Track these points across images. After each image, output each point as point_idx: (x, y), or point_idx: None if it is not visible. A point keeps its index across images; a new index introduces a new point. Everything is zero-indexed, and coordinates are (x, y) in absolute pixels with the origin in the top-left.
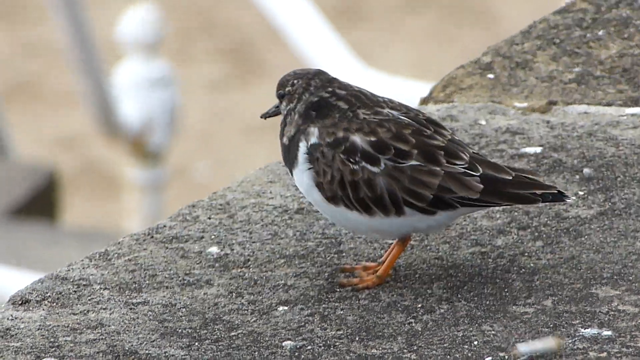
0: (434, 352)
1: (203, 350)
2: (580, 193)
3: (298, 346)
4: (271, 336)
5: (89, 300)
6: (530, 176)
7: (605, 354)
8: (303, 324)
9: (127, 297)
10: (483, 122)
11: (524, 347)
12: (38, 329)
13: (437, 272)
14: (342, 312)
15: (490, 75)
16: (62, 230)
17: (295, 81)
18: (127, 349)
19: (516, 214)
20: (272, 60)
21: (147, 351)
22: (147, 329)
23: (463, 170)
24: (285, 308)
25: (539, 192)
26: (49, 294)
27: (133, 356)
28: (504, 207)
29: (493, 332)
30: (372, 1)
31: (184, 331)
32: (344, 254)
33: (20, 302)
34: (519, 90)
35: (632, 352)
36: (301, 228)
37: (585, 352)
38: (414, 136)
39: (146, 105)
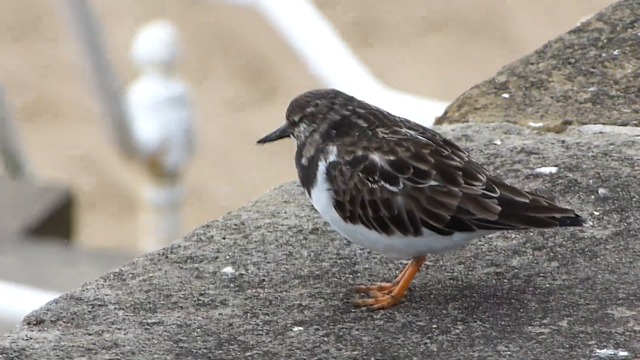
0: None
1: None
2: (596, 213)
3: None
4: (286, 356)
5: (104, 320)
6: (547, 200)
7: None
8: (318, 344)
9: (142, 317)
10: (498, 142)
11: None
12: (53, 349)
13: (452, 292)
14: (357, 332)
15: (505, 95)
16: (79, 249)
17: (318, 101)
18: None
19: (531, 234)
20: (289, 80)
21: None
22: (162, 350)
23: (481, 192)
24: (301, 328)
25: (557, 215)
26: (63, 314)
27: None
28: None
29: (509, 352)
30: (392, 20)
31: (198, 351)
32: (358, 275)
33: (35, 322)
34: (534, 110)
35: None
36: (316, 248)
37: None
38: (432, 156)
39: (163, 125)
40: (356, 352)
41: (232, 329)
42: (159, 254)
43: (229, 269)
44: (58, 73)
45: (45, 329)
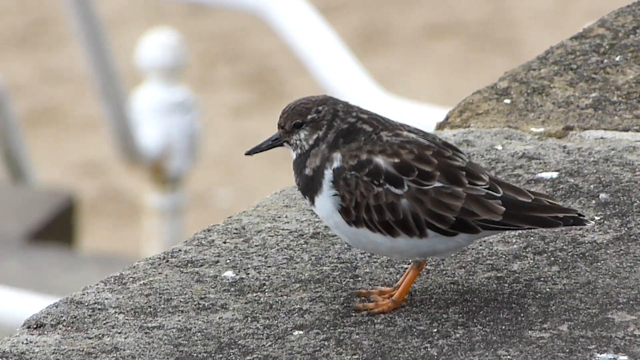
0: None
1: None
2: (597, 218)
3: None
4: None
5: (104, 324)
6: (548, 199)
7: None
8: (318, 348)
9: (142, 321)
10: (499, 147)
11: None
12: (53, 353)
13: (453, 296)
14: (357, 336)
15: (507, 101)
16: (81, 255)
17: (320, 108)
18: None
19: (532, 238)
20: (293, 86)
21: None
22: (162, 354)
23: (485, 191)
24: (301, 332)
25: (561, 215)
26: (63, 318)
27: None
28: (522, 231)
29: (509, 356)
30: (396, 26)
31: (199, 355)
32: (359, 279)
33: (35, 326)
34: (536, 116)
35: None
36: (317, 252)
37: None
38: (436, 157)
39: (166, 130)
40: (356, 356)
41: (233, 333)
42: (160, 258)
43: (229, 273)
44: (61, 78)
45: (46, 332)
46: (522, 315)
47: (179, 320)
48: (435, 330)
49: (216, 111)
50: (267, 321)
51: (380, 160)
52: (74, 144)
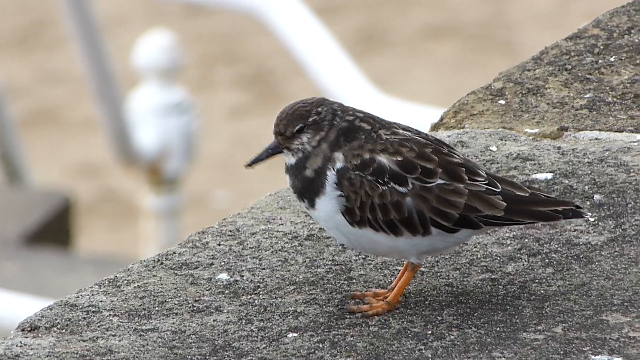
0: None
1: None
2: (591, 219)
3: None
4: None
5: (98, 326)
6: (544, 194)
7: None
8: (313, 350)
9: (137, 323)
10: (494, 148)
11: None
12: (47, 356)
13: (448, 298)
14: (352, 338)
15: (502, 101)
16: (78, 257)
17: (320, 109)
18: None
19: (526, 240)
20: (290, 87)
21: None
22: (156, 356)
23: (485, 187)
24: (295, 335)
25: (559, 208)
26: (58, 321)
27: None
28: (519, 228)
29: (503, 358)
30: (396, 28)
31: (193, 358)
32: (353, 281)
33: (29, 329)
34: (530, 116)
35: None
36: (311, 255)
37: None
38: (435, 154)
39: (163, 132)
40: (351, 358)
41: (227, 335)
42: (154, 260)
43: (224, 275)
44: (59, 80)
45: (40, 335)
46: (516, 317)
47: (174, 323)
48: (429, 332)
49: (214, 112)
50: (262, 323)
51: (383, 158)
52: (71, 145)
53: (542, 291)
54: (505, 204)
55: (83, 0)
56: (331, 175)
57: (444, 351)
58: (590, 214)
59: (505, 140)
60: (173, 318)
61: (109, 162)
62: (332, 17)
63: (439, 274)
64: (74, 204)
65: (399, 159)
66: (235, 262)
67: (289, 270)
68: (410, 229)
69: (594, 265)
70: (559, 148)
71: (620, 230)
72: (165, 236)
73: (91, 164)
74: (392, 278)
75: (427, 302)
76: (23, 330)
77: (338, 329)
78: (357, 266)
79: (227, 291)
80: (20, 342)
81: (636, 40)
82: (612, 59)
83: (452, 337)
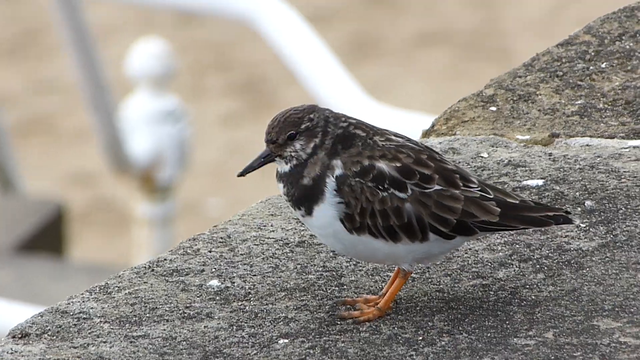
0: None
1: None
2: (582, 225)
3: None
4: None
5: (89, 333)
6: (533, 201)
7: None
8: (304, 356)
9: (128, 330)
10: (485, 155)
11: None
12: None
13: (438, 304)
14: (343, 344)
15: (493, 108)
16: (71, 265)
17: (312, 115)
18: None
19: (517, 246)
20: (284, 96)
21: None
22: None
23: (479, 193)
24: (286, 341)
25: (550, 214)
26: (49, 328)
27: None
28: (511, 234)
29: None
30: (388, 36)
31: None
32: (345, 287)
33: (20, 336)
34: (522, 123)
35: None
36: (302, 261)
37: None
38: (431, 161)
39: (156, 140)
40: None
41: (218, 341)
42: (145, 267)
43: (214, 282)
44: (51, 89)
45: (31, 342)
46: (507, 322)
47: (164, 329)
48: (420, 338)
49: (206, 120)
50: (253, 330)
51: (382, 165)
52: (63, 154)
53: (533, 297)
54: (500, 209)
55: (76, 9)
56: (330, 182)
57: (434, 357)
58: (579, 220)
59: (497, 147)
60: (164, 324)
61: (102, 171)
62: (325, 25)
63: (430, 279)
64: (67, 212)
65: (398, 165)
66: (226, 269)
67: (280, 277)
68: (409, 235)
69: (585, 271)
70: (550, 154)
71: (612, 236)
72: (158, 244)
73: (84, 172)
74: (383, 284)
75: (418, 308)
76: (14, 337)
77: (329, 335)
78: (348, 272)
79: (218, 297)
80: (11, 349)
81: (627, 46)
82: (603, 66)
83: (443, 342)
